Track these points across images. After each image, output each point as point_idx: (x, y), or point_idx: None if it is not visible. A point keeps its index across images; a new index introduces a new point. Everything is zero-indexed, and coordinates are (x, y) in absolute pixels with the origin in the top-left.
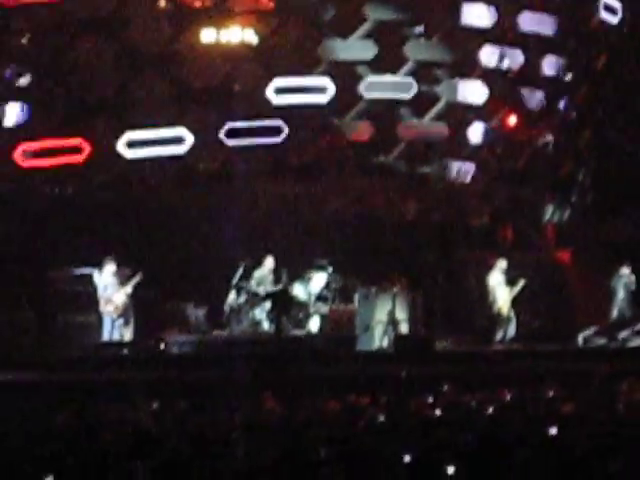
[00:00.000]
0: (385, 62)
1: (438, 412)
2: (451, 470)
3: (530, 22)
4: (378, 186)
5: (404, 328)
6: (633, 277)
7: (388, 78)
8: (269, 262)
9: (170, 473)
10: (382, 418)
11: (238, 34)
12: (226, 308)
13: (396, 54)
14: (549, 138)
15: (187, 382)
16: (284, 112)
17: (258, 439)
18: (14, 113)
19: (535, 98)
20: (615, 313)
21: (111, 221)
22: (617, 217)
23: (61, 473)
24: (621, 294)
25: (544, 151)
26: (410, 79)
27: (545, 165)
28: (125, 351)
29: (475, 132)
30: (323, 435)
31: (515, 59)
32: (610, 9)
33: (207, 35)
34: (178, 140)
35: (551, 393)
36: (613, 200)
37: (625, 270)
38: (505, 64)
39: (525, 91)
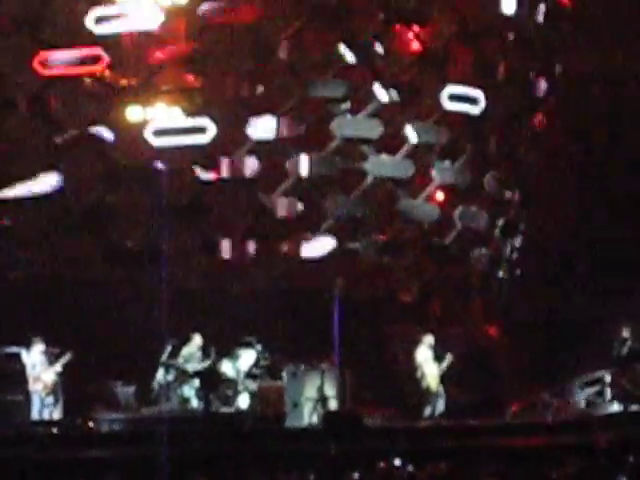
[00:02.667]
0: (313, 139)
1: None
2: None
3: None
4: (307, 262)
5: (333, 404)
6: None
7: (316, 155)
8: (197, 340)
9: None
10: None
11: (165, 111)
12: (155, 386)
13: (322, 131)
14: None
15: (116, 460)
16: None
17: None
18: None
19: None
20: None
21: (38, 301)
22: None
23: None
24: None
25: (470, 227)
26: (336, 157)
27: (472, 240)
28: (54, 429)
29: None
30: None
31: (442, 135)
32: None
33: (133, 113)
34: None
35: (481, 468)
36: (537, 278)
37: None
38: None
39: (452, 166)
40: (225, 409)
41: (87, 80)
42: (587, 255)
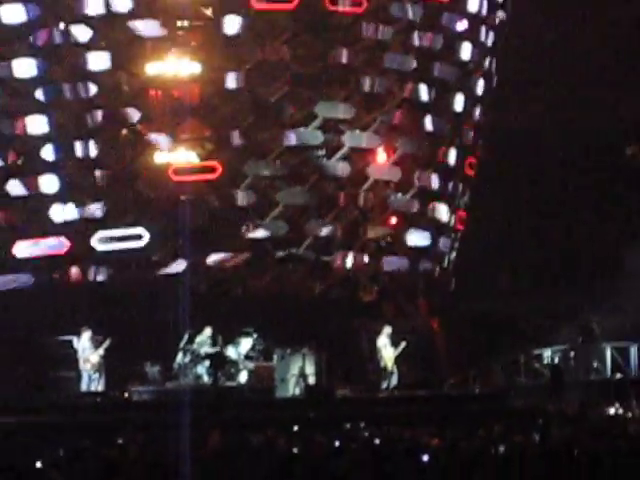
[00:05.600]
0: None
1: (337, 443)
2: None
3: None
4: (292, 270)
5: (312, 380)
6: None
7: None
8: (207, 330)
9: None
10: (295, 450)
11: (184, 155)
12: (175, 365)
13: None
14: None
15: (145, 422)
16: None
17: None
18: None
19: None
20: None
21: (89, 299)
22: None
23: None
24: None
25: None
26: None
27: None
28: (98, 399)
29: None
30: (250, 460)
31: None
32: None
33: (160, 156)
34: (137, 237)
35: (423, 430)
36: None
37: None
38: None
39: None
40: (229, 383)
41: (125, 130)
42: (510, 266)
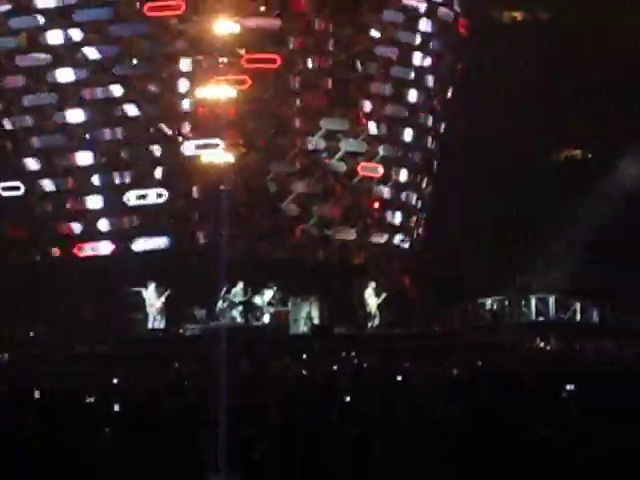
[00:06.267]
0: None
1: (335, 367)
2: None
3: None
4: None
5: (316, 321)
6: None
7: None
8: (240, 285)
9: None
10: (304, 372)
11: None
12: (216, 309)
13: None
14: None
15: (197, 352)
16: None
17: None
18: None
19: None
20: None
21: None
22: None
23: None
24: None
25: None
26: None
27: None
28: (160, 334)
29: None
30: (271, 381)
31: None
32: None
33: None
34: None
35: (400, 357)
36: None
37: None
38: None
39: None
40: (256, 323)
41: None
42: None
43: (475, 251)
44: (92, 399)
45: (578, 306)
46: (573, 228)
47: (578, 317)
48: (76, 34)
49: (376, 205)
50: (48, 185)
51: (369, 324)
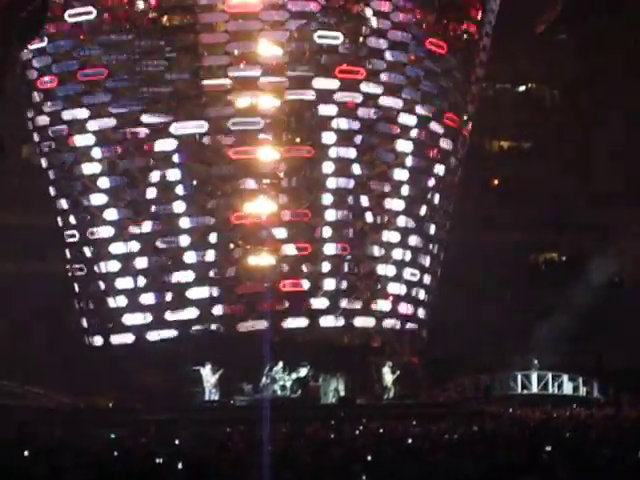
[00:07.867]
0: None
1: (357, 432)
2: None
3: None
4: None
5: (342, 393)
6: None
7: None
8: (280, 364)
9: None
10: (332, 435)
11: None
12: (261, 384)
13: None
14: None
15: (245, 418)
16: None
17: None
18: None
19: None
20: None
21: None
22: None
23: None
24: None
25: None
26: None
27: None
28: (215, 405)
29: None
30: (305, 442)
31: None
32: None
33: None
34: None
35: (409, 423)
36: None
37: None
38: None
39: None
40: (293, 395)
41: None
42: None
43: (475, 337)
44: (161, 460)
45: (556, 381)
46: (554, 318)
47: (555, 390)
48: None
49: (391, 298)
50: (124, 283)
51: (385, 396)
